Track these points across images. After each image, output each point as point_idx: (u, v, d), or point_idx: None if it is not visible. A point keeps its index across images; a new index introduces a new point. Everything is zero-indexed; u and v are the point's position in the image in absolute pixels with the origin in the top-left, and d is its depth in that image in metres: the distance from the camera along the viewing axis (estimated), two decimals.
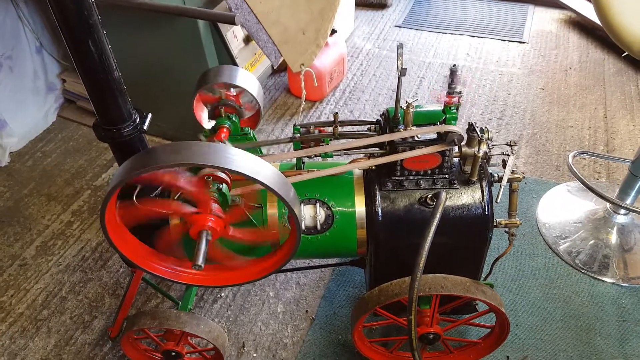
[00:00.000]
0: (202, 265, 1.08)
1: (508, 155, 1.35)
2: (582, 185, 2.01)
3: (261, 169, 1.04)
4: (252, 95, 1.51)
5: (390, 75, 3.05)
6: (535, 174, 2.33)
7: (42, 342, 1.74)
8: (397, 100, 1.26)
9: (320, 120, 2.70)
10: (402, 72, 1.16)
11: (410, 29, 3.54)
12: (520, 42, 3.32)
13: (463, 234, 1.39)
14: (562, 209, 2.14)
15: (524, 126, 2.61)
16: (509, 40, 3.35)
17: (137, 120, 1.26)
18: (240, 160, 1.02)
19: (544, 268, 1.93)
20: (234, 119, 1.45)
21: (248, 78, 1.53)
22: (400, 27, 3.57)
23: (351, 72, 3.06)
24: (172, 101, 2.24)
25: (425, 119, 1.32)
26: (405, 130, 1.26)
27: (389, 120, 1.33)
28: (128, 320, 1.48)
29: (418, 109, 1.31)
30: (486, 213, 1.36)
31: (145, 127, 1.26)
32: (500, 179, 1.37)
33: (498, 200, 1.32)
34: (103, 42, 1.11)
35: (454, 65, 1.15)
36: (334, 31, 2.82)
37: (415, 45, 3.35)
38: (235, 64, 2.15)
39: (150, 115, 1.29)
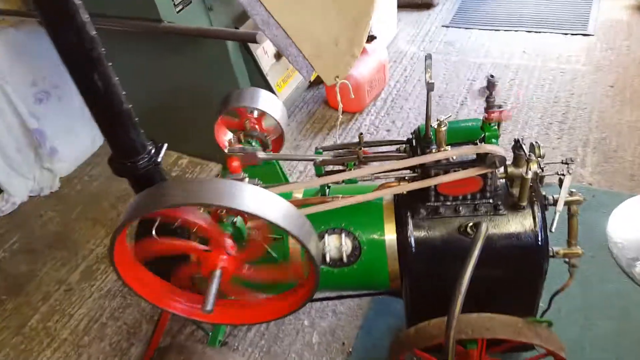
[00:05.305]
0: (212, 310, 0.99)
1: (564, 175, 1.15)
2: None
3: (270, 205, 0.94)
4: (274, 119, 1.42)
5: (437, 79, 2.85)
6: (604, 184, 2.05)
7: None
8: (428, 117, 1.12)
9: (360, 131, 2.58)
10: (430, 86, 1.02)
11: (459, 28, 3.33)
12: (584, 35, 3.00)
13: (513, 266, 1.22)
14: (638, 225, 1.85)
15: (591, 130, 2.32)
16: (572, 34, 3.03)
17: (152, 152, 1.21)
18: (246, 198, 0.93)
19: (616, 295, 1.67)
20: (254, 144, 1.37)
21: (271, 101, 1.45)
22: (447, 26, 3.36)
23: (394, 79, 2.91)
24: (204, 122, 2.22)
25: (461, 135, 1.17)
26: (438, 151, 1.11)
27: (420, 140, 1.19)
28: (156, 353, 1.44)
29: (453, 125, 1.15)
30: (539, 242, 1.17)
31: (159, 159, 1.21)
32: (556, 202, 1.18)
33: (553, 229, 1.13)
34: (108, 74, 1.06)
35: (492, 76, 0.99)
36: (372, 37, 2.69)
37: (465, 45, 3.13)
38: (266, 81, 2.08)
39: (165, 145, 1.24)
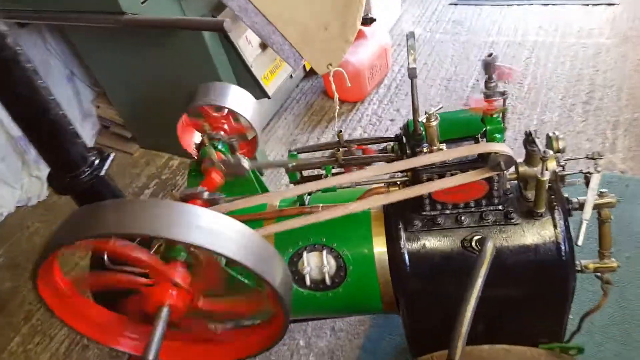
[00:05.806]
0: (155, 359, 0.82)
1: (590, 172, 0.93)
2: None
3: (213, 231, 0.76)
4: (245, 118, 1.23)
5: (444, 62, 2.62)
6: (639, 171, 1.80)
7: None
8: (414, 110, 0.91)
9: (361, 123, 2.37)
10: (412, 72, 0.81)
11: (468, 5, 3.06)
12: (608, 5, 2.71)
13: (532, 285, 1.01)
14: None
15: (620, 110, 2.06)
16: (593, 4, 2.74)
17: (96, 163, 1.05)
18: (178, 223, 0.74)
19: None
20: (220, 147, 1.18)
21: (242, 98, 1.26)
22: (455, 4, 3.10)
23: (398, 64, 2.67)
24: None
25: (458, 130, 0.96)
26: (431, 152, 0.91)
27: (410, 137, 0.98)
28: None
29: (447, 117, 0.94)
30: (563, 256, 0.96)
31: (103, 172, 1.04)
32: (582, 206, 0.96)
33: (579, 243, 0.91)
34: (30, 77, 0.90)
35: (490, 55, 0.78)
36: (372, 20, 2.46)
37: (475, 23, 2.87)
38: (251, 74, 1.89)
39: (112, 155, 1.07)
